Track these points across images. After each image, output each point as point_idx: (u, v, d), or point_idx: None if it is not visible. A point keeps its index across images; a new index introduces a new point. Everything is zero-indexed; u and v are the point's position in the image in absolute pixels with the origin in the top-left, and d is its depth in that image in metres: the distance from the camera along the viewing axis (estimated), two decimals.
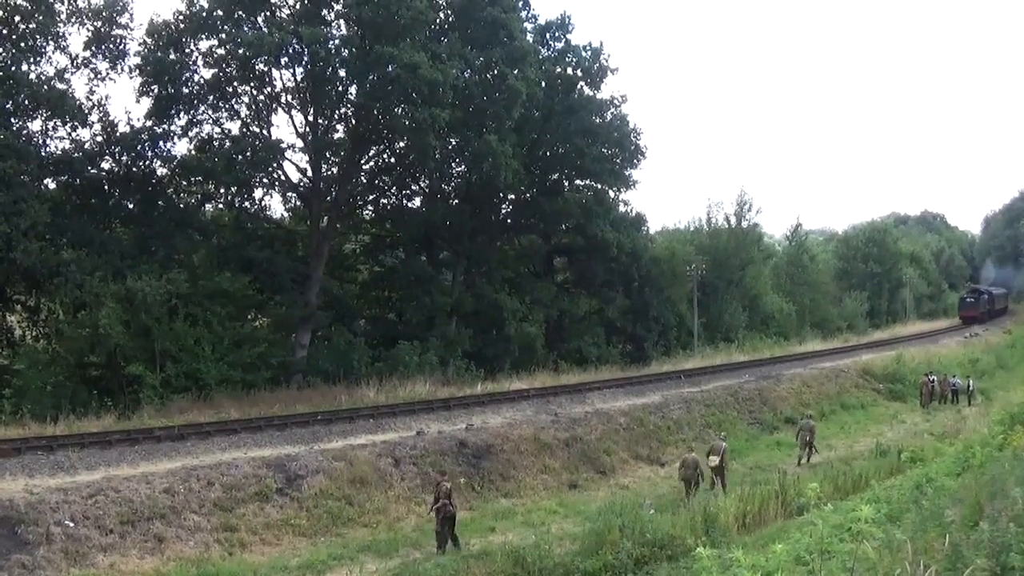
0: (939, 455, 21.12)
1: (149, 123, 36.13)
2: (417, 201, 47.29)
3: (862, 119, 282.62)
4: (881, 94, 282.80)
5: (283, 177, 39.24)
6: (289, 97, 38.19)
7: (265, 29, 35.26)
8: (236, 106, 37.95)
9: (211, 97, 37.04)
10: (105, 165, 36.04)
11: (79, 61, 33.94)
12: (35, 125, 33.22)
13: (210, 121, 37.77)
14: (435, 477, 21.36)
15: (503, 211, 50.11)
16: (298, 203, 42.18)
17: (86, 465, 21.08)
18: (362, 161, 41.41)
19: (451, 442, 26.37)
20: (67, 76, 33.48)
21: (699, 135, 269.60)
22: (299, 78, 37.52)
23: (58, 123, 33.55)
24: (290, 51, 35.81)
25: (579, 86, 48.58)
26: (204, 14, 35.64)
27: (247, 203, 40.43)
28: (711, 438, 29.36)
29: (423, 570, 17.87)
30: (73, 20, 33.44)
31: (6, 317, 34.53)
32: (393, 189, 45.83)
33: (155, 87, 35.55)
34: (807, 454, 30.09)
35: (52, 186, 34.98)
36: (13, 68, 31.30)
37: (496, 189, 45.04)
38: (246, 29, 35.37)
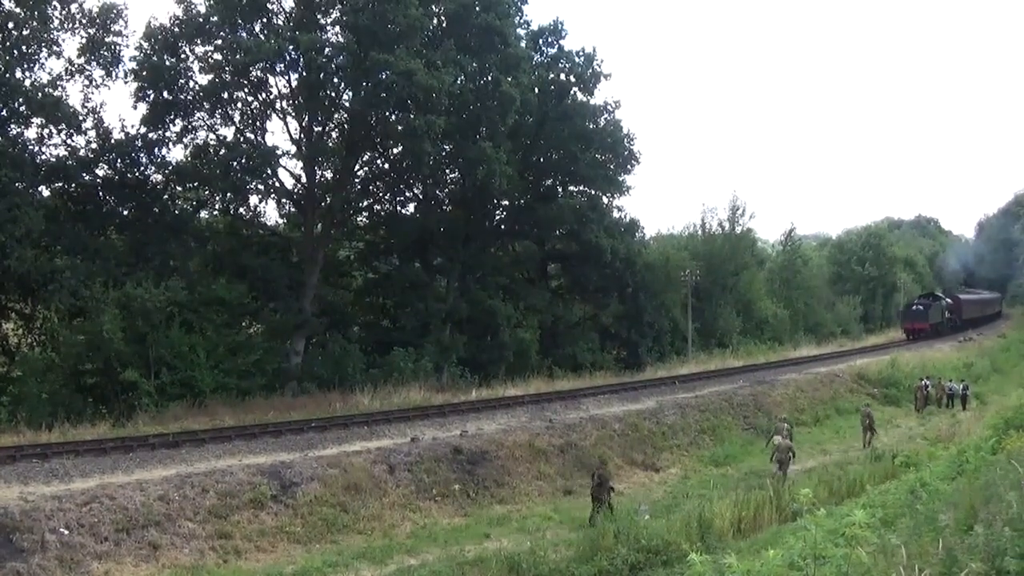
0: (933, 459, 21.16)
1: (144, 129, 36.07)
2: (411, 207, 47.34)
3: (856, 124, 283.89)
4: (875, 99, 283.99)
5: (278, 183, 39.29)
6: (284, 103, 38.28)
7: (262, 35, 35.40)
8: (231, 112, 37.98)
9: (206, 103, 37.04)
10: (100, 172, 35.96)
11: (74, 68, 33.88)
12: (30, 132, 33.17)
13: (205, 127, 37.79)
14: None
15: (497, 217, 50.21)
16: (293, 209, 42.15)
17: (81, 472, 21.01)
18: (356, 167, 41.47)
19: (446, 448, 26.35)
20: (61, 83, 33.42)
21: (693, 140, 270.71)
22: (294, 84, 37.59)
23: (53, 130, 33.41)
24: (286, 57, 35.87)
25: (572, 92, 48.73)
26: (201, 19, 35.72)
27: (242, 209, 40.48)
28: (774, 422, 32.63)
29: None
30: (67, 27, 33.39)
31: (1, 325, 34.45)
32: (387, 195, 45.88)
33: (151, 92, 35.51)
34: (869, 439, 33.01)
35: (46, 193, 34.90)
36: (7, 75, 31.23)
37: (490, 195, 45.14)
38: (243, 35, 35.46)
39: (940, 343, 66.39)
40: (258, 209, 41.58)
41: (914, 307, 72.30)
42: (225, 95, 37.00)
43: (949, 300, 77.95)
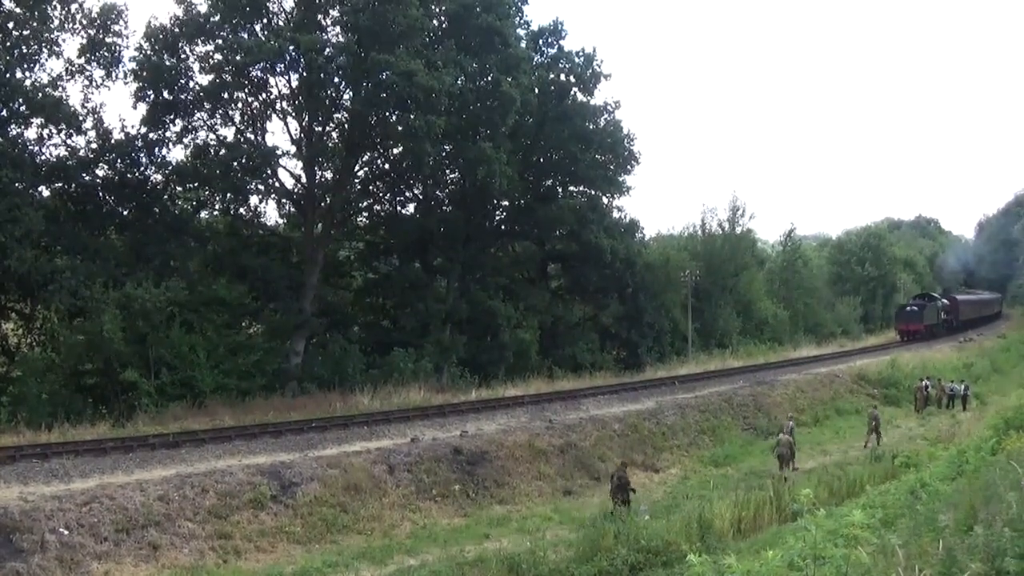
0: (933, 460, 21.14)
1: (144, 129, 36.09)
2: (411, 208, 47.37)
3: (856, 124, 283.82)
4: (875, 99, 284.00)
5: (278, 184, 39.33)
6: (284, 103, 38.25)
7: (262, 35, 35.39)
8: (231, 112, 37.96)
9: (207, 103, 37.01)
10: (100, 172, 35.98)
11: (74, 68, 33.87)
12: (30, 132, 33.20)
13: (205, 127, 37.77)
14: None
15: (497, 217, 50.20)
16: (292, 210, 42.13)
17: (81, 473, 21.03)
18: (356, 167, 41.45)
19: (446, 449, 26.37)
20: (61, 83, 33.41)
21: (694, 140, 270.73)
22: (294, 84, 37.59)
23: (53, 130, 33.41)
24: (286, 58, 35.85)
25: (572, 92, 48.68)
26: (201, 19, 35.69)
27: (242, 210, 40.51)
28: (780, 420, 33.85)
29: None
30: (67, 27, 33.37)
31: (1, 325, 34.45)
32: (387, 196, 45.90)
33: (151, 93, 35.51)
34: (874, 440, 33.00)
35: (47, 193, 34.90)
36: (7, 75, 31.24)
37: (490, 196, 45.14)
38: (243, 35, 35.48)
39: (940, 344, 66.07)
40: (258, 209, 41.70)
41: (908, 308, 70.03)
42: (225, 95, 36.96)
43: (945, 301, 75.65)
